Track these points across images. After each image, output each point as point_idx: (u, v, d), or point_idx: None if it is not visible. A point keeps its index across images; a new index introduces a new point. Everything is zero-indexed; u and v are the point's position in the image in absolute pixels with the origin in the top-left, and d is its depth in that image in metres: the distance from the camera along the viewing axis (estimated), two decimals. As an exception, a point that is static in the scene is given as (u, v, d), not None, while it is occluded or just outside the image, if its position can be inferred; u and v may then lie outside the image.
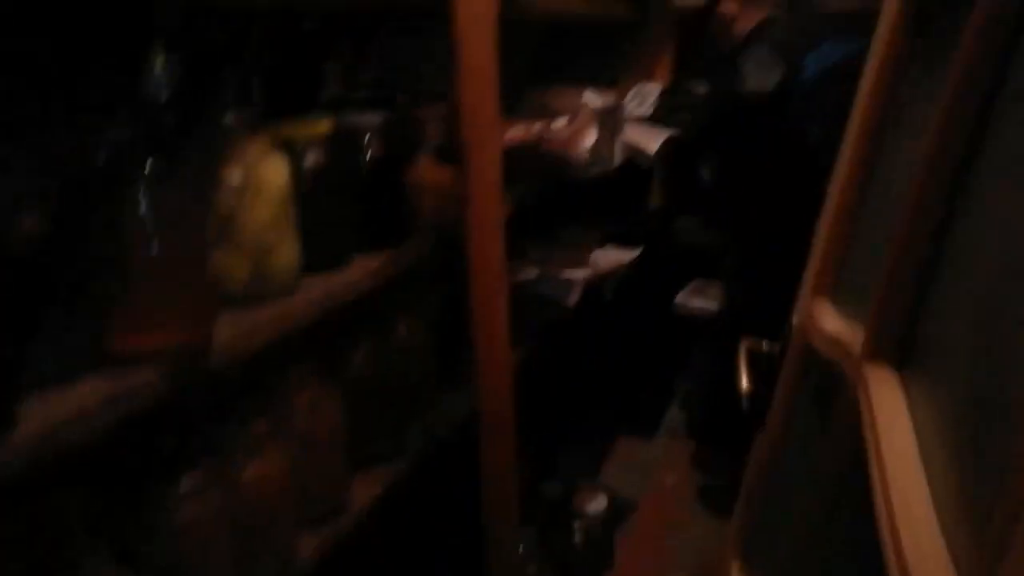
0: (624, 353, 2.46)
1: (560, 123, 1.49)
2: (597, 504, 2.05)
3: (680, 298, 2.41)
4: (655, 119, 2.21)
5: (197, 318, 0.79)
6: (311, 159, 0.98)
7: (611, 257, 1.78)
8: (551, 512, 1.94)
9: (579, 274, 1.60)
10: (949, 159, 0.45)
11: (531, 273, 1.59)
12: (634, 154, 1.93)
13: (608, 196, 2.31)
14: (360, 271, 1.04)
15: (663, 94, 2.27)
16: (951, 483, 0.40)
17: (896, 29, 0.65)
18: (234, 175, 0.86)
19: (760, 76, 1.69)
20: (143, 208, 0.74)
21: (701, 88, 2.23)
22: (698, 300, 2.39)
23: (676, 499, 2.28)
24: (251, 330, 0.86)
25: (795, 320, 0.79)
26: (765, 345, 0.85)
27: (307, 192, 0.96)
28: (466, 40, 1.17)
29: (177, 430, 0.86)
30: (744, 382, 0.81)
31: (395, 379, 1.22)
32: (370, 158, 1.10)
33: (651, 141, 1.89)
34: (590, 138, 1.53)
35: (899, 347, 0.48)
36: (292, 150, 0.96)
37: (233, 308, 0.87)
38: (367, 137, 1.10)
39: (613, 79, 2.39)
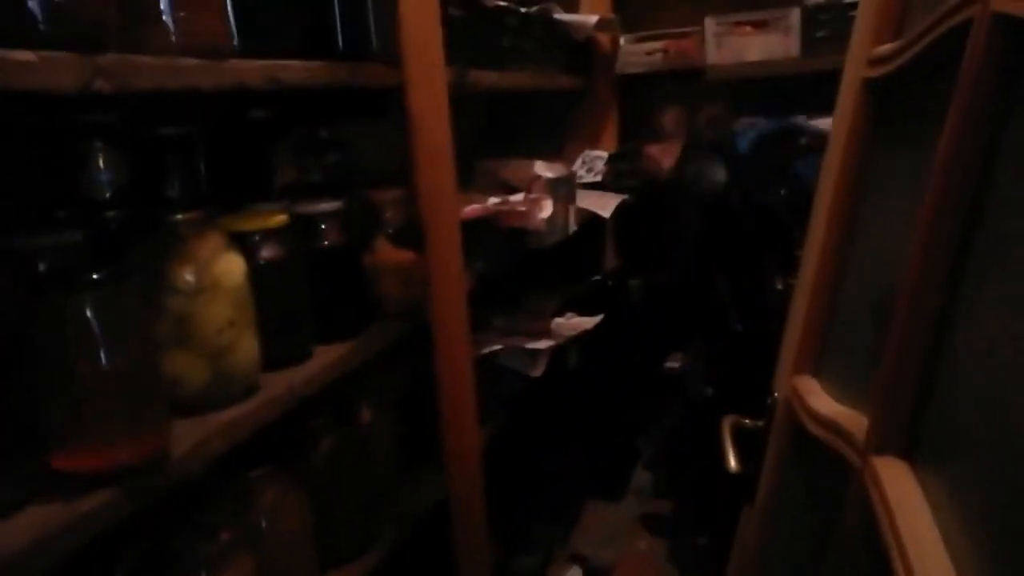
0: (588, 417, 2.44)
1: (517, 197, 1.49)
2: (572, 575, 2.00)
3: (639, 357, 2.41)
4: (605, 185, 2.25)
5: (151, 432, 0.74)
6: (267, 252, 0.95)
7: (573, 324, 1.77)
8: (526, 589, 1.88)
9: (543, 344, 1.58)
10: (948, 236, 0.44)
11: (495, 345, 1.57)
12: (589, 219, 1.95)
13: (563, 261, 2.32)
14: (323, 363, 1.00)
15: (611, 159, 2.32)
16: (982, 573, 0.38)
17: (860, 95, 0.66)
18: (187, 275, 0.82)
19: (711, 174, 1.75)
20: (89, 317, 0.69)
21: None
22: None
23: (650, 562, 2.23)
24: (211, 437, 0.81)
25: (778, 396, 0.78)
26: (749, 422, 0.84)
27: (264, 286, 0.92)
28: (422, 124, 1.17)
29: (135, 551, 0.80)
30: (732, 461, 0.80)
31: (361, 469, 1.17)
32: (328, 246, 1.07)
33: (605, 206, 1.91)
34: (547, 209, 1.54)
35: (908, 436, 0.47)
36: (246, 243, 0.93)
37: (191, 414, 0.82)
38: (324, 225, 1.07)
39: (559, 146, 2.43)
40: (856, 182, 0.69)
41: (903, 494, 0.44)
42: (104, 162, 0.89)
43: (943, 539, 0.41)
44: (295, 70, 0.94)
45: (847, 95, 0.71)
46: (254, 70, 0.86)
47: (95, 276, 0.68)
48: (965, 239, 0.45)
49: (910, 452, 0.48)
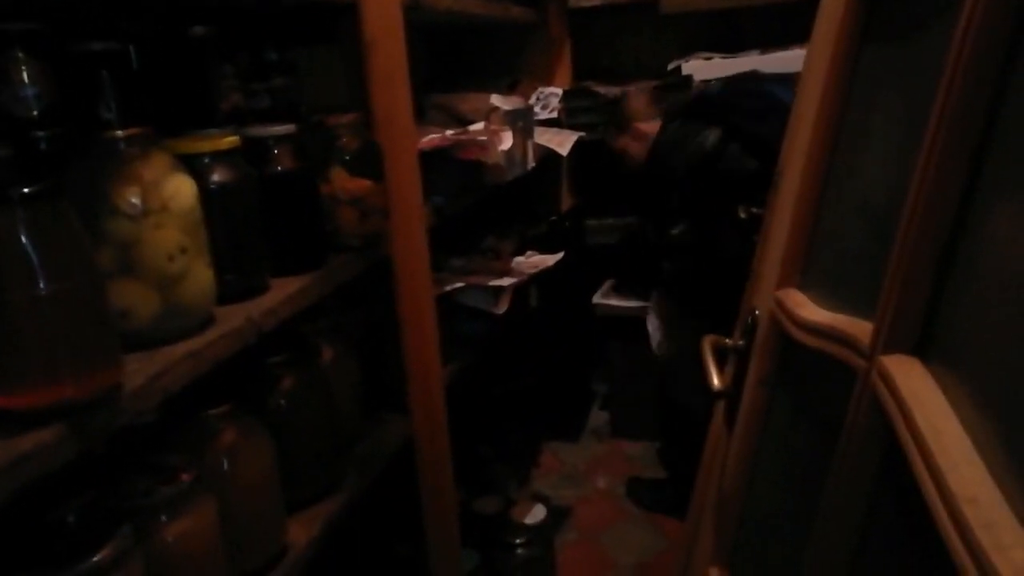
0: (546, 357, 2.44)
1: (477, 127, 1.43)
2: (535, 515, 2.01)
3: (597, 298, 2.40)
4: (560, 122, 2.20)
5: (99, 365, 0.68)
6: (218, 175, 0.88)
7: (533, 261, 1.74)
8: (490, 528, 1.88)
9: (506, 281, 1.55)
10: (965, 134, 0.42)
11: (455, 284, 1.52)
12: (545, 156, 1.90)
13: (519, 202, 2.28)
14: (282, 295, 0.94)
15: (565, 96, 2.26)
16: (1008, 462, 0.37)
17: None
18: (132, 197, 0.75)
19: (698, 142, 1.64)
20: (22, 236, 0.62)
21: (602, 89, 2.24)
22: (614, 299, 2.39)
23: (609, 500, 2.27)
24: (166, 371, 0.75)
25: (759, 313, 0.76)
26: (730, 341, 0.83)
27: (216, 212, 0.86)
28: (376, 44, 1.10)
29: (85, 495, 0.74)
30: (715, 379, 0.78)
31: (323, 409, 1.13)
32: (281, 172, 1.00)
33: (562, 143, 1.87)
34: (506, 142, 1.49)
35: (920, 335, 0.45)
36: (195, 166, 0.86)
37: (143, 348, 0.76)
38: (276, 150, 1.00)
39: (512, 82, 2.36)
40: (845, 88, 0.66)
41: (918, 388, 0.43)
42: (28, 75, 0.81)
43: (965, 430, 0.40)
44: (242, -25, 0.86)
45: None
46: (197, -29, 0.78)
47: (26, 190, 0.61)
48: (985, 136, 0.43)
49: (921, 350, 0.46)
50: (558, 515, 2.13)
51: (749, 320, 0.79)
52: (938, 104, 0.46)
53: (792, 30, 1.85)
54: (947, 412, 0.41)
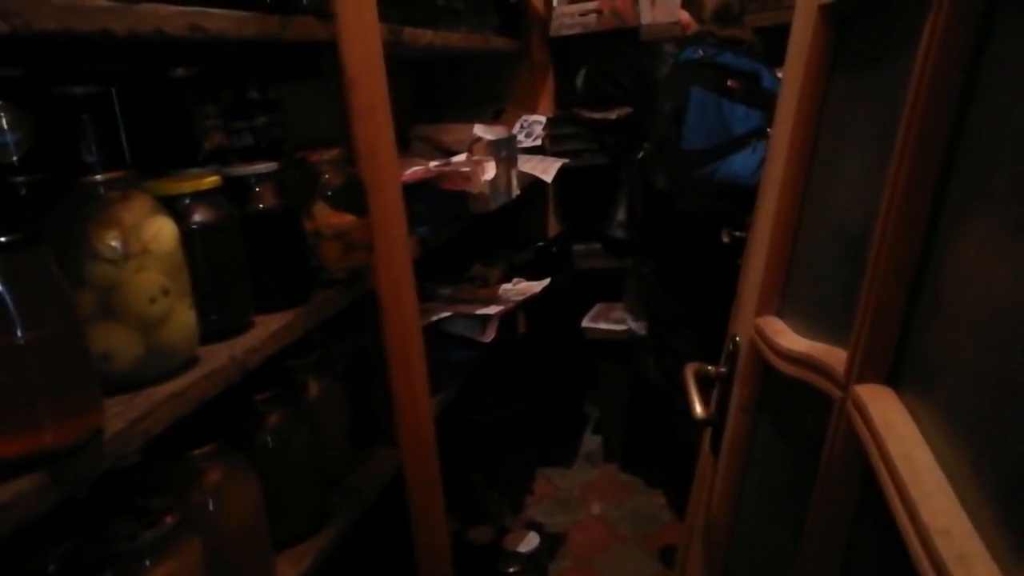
0: (536, 383, 2.43)
1: (459, 158, 1.44)
2: (529, 543, 2.00)
3: (586, 322, 2.41)
4: (545, 149, 2.22)
5: (80, 411, 0.68)
6: (199, 216, 0.88)
7: (521, 288, 1.75)
8: (484, 558, 1.87)
9: (492, 309, 1.55)
10: (930, 165, 0.43)
11: (443, 313, 1.53)
12: (530, 183, 1.91)
13: (505, 228, 2.29)
14: (265, 333, 0.94)
15: (549, 124, 2.29)
16: (980, 492, 0.37)
17: (816, 23, 0.64)
18: (112, 241, 0.75)
19: None
20: (0, 289, 0.62)
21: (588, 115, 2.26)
22: (603, 323, 2.40)
23: (603, 525, 2.26)
24: (148, 414, 0.75)
25: (740, 339, 0.77)
26: (712, 368, 0.83)
27: (198, 252, 0.86)
28: (357, 81, 1.12)
29: (67, 541, 0.73)
30: (698, 408, 0.78)
31: (311, 445, 1.12)
32: (263, 209, 1.01)
33: (547, 170, 1.89)
34: (490, 171, 1.50)
35: (892, 364, 0.46)
36: (176, 207, 0.86)
37: (125, 391, 0.76)
38: (258, 188, 1.01)
39: (497, 111, 2.38)
40: (815, 116, 0.67)
41: (891, 418, 0.43)
42: (7, 121, 0.81)
43: (935, 459, 0.40)
44: (221, 19, 0.87)
45: (801, 26, 0.70)
46: (174, 16, 0.79)
47: (4, 239, 0.61)
48: (946, 168, 0.44)
49: (894, 379, 0.47)
50: (552, 542, 2.12)
51: (731, 346, 0.79)
52: (901, 134, 0.47)
53: (770, 56, 1.87)
54: (919, 442, 0.41)
